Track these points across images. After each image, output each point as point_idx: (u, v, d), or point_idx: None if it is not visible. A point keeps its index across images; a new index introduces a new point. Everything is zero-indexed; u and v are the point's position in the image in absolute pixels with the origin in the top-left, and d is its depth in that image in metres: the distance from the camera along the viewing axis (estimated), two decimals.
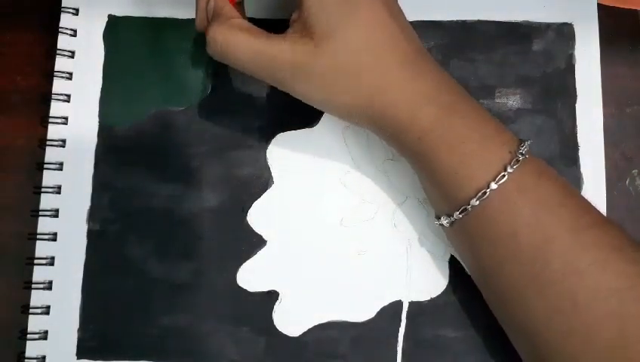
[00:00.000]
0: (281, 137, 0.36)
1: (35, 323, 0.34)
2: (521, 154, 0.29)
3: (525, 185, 0.28)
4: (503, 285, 0.29)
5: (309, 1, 0.29)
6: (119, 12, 0.37)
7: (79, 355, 0.34)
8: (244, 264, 0.35)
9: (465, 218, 0.29)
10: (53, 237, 0.35)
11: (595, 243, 0.28)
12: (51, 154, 0.35)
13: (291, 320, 0.34)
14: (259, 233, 0.35)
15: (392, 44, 0.29)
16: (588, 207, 0.30)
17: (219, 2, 0.31)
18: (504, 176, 0.28)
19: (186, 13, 0.37)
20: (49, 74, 0.36)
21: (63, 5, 0.37)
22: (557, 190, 0.29)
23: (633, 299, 0.27)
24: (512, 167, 0.28)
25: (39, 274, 0.34)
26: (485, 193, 0.28)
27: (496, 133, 0.30)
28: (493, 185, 0.28)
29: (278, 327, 0.34)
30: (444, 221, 0.30)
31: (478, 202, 0.28)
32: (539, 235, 0.28)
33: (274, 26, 0.32)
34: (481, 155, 0.29)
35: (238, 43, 0.30)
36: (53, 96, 0.36)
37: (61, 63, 0.36)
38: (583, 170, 0.35)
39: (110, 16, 0.37)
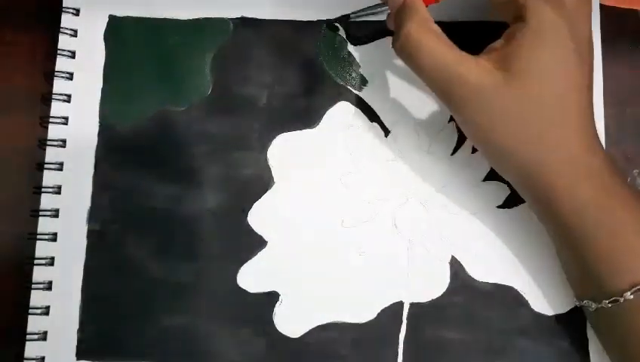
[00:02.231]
0: (282, 138, 0.36)
1: (34, 324, 0.34)
2: None
3: None
4: None
5: (524, 40, 0.28)
6: (120, 12, 0.37)
7: (79, 356, 0.34)
8: (244, 265, 0.35)
9: (614, 308, 0.28)
10: (53, 237, 0.35)
11: None
12: (51, 155, 0.35)
13: (292, 321, 0.34)
14: (259, 234, 0.35)
15: (581, 110, 0.29)
16: None
17: (416, 1, 0.30)
18: None
19: (186, 13, 0.37)
20: (49, 74, 0.36)
21: (63, 5, 0.37)
22: None
23: None
24: None
25: (39, 274, 0.34)
26: None
27: None
28: None
29: (278, 328, 0.34)
30: (590, 306, 0.29)
31: (632, 296, 0.27)
32: None
33: None
34: None
35: (431, 48, 0.29)
36: (54, 97, 0.36)
37: (62, 63, 0.36)
38: None
39: (111, 17, 0.37)
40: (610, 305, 0.28)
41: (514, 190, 0.32)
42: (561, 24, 0.28)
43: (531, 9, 0.28)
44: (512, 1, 0.29)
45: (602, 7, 0.36)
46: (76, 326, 0.34)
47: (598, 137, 0.30)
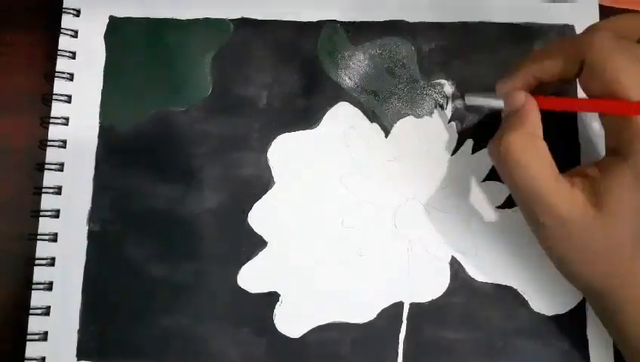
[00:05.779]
0: (282, 138, 0.36)
1: (35, 324, 0.34)
2: None
3: None
4: None
5: (624, 180, 0.27)
6: (120, 13, 0.37)
7: (79, 356, 0.34)
8: (244, 265, 0.35)
9: None
10: (54, 237, 0.35)
11: None
12: (52, 155, 0.35)
13: (292, 321, 0.34)
14: (259, 234, 0.35)
15: None
16: None
17: (529, 106, 0.29)
18: None
19: (186, 14, 0.37)
20: (50, 75, 0.36)
21: (64, 6, 0.37)
22: None
23: None
24: None
25: (39, 274, 0.34)
26: None
27: None
28: None
29: (278, 328, 0.34)
30: None
31: None
32: None
33: None
34: None
35: (528, 168, 0.28)
36: (54, 97, 0.36)
37: (62, 64, 0.36)
38: None
39: (111, 18, 0.37)
40: None
41: None
42: None
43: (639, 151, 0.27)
44: (621, 131, 0.28)
45: (602, 7, 0.36)
46: (77, 326, 0.34)
47: None
